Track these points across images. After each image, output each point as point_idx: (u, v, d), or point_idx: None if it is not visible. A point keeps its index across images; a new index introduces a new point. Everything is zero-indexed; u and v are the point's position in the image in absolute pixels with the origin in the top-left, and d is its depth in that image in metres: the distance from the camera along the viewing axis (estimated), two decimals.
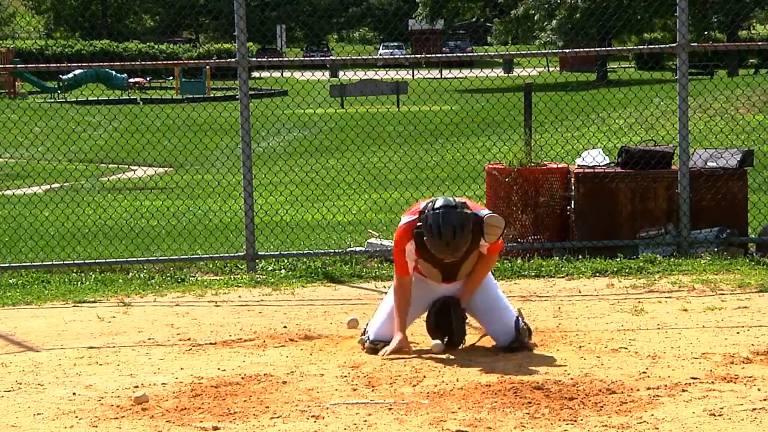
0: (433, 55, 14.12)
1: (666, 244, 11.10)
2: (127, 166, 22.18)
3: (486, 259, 7.46)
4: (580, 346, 7.51)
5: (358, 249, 11.46)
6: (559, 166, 11.72)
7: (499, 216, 7.37)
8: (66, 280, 10.72)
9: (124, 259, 11.23)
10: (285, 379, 6.86)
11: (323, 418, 6.05)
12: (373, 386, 6.64)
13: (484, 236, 7.26)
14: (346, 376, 6.88)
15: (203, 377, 6.98)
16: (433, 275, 7.50)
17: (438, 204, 7.23)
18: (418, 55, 26.51)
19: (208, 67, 39.96)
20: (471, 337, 7.66)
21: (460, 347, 7.44)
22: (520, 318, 7.48)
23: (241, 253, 11.17)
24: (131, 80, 45.91)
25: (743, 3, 45.12)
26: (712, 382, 6.51)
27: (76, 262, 11.17)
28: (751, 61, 49.93)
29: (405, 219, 7.41)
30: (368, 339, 7.51)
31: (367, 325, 7.66)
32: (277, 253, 11.38)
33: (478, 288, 7.49)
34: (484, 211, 7.36)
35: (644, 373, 6.76)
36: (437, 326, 7.45)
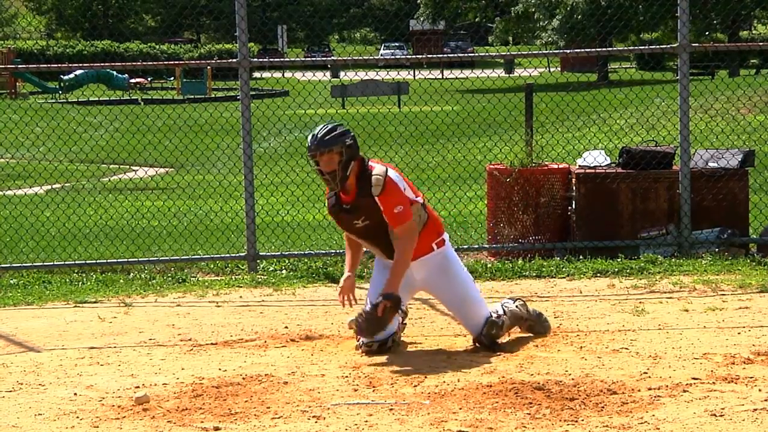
0: (434, 56, 14.11)
1: (667, 245, 11.10)
2: (128, 167, 22.19)
3: (400, 239, 7.41)
4: (581, 347, 7.51)
5: None
6: (560, 166, 11.72)
7: (388, 167, 7.45)
8: (67, 280, 10.73)
9: (125, 260, 11.24)
10: (286, 380, 6.86)
11: (324, 418, 6.05)
12: (374, 386, 6.64)
13: (372, 188, 7.38)
14: (347, 377, 6.89)
15: (204, 377, 6.99)
16: (374, 249, 7.69)
17: None
18: (419, 56, 26.52)
19: (209, 67, 39.94)
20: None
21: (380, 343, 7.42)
22: (497, 311, 7.53)
23: (242, 254, 11.18)
24: (132, 81, 45.88)
25: (744, 3, 45.10)
26: (713, 383, 6.50)
27: (77, 262, 11.18)
28: (752, 61, 49.88)
29: None
30: (362, 341, 7.52)
31: None
32: (278, 253, 11.39)
33: (448, 284, 7.53)
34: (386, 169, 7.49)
35: (645, 373, 6.76)
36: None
